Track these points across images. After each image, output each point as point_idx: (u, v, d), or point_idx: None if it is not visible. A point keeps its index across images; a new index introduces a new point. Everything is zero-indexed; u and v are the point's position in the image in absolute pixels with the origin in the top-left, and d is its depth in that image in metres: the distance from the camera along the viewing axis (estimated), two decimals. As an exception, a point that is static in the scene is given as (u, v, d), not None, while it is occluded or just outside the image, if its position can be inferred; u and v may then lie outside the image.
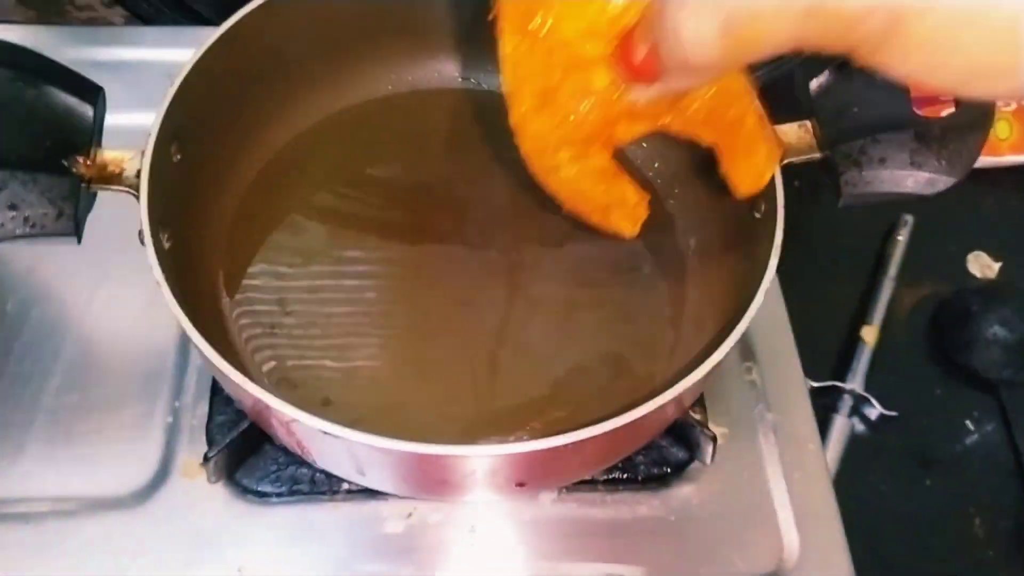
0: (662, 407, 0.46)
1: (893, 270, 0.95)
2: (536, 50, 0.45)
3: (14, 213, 0.47)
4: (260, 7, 0.59)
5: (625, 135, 0.48)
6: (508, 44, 0.46)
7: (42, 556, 0.57)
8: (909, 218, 0.98)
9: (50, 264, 0.69)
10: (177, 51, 0.78)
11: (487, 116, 0.71)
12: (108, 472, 0.61)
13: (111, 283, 0.68)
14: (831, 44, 0.31)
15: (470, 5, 0.66)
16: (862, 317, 0.92)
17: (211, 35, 0.58)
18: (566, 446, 0.44)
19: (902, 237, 0.97)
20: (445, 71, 0.72)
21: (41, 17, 1.13)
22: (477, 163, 0.68)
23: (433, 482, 0.48)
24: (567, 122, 0.47)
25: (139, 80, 0.78)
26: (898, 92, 0.52)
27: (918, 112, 0.51)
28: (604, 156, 0.51)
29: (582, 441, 0.44)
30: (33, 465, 0.61)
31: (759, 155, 0.51)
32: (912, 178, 0.50)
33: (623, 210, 0.57)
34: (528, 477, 0.50)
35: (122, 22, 1.14)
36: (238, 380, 0.44)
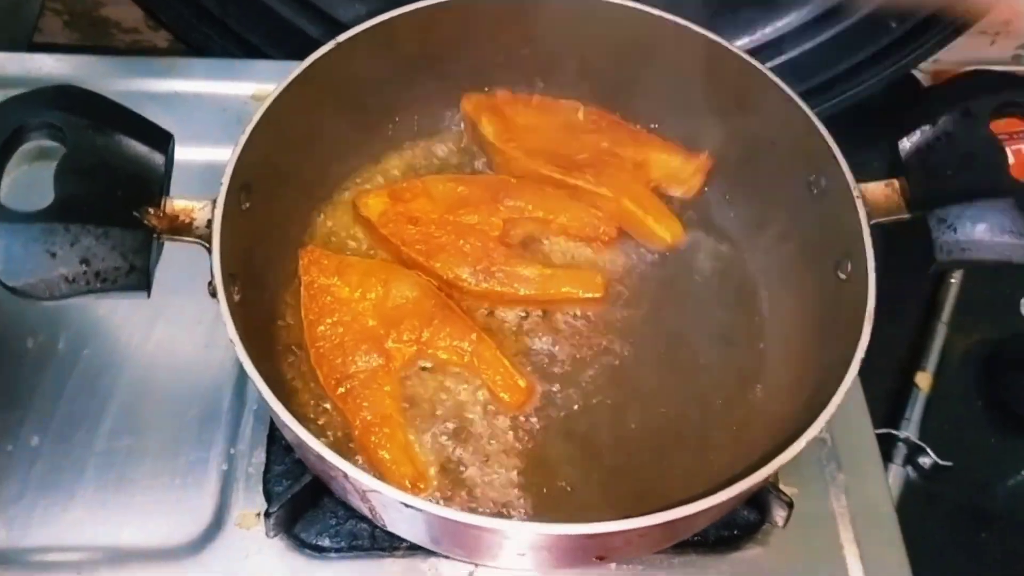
0: (751, 487, 0.44)
1: (946, 315, 0.93)
2: None
3: (86, 268, 0.45)
4: (324, 56, 0.58)
5: None
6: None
7: (94, 608, 0.56)
8: (962, 261, 0.96)
9: (103, 301, 0.67)
10: (231, 84, 0.80)
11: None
12: (162, 521, 0.59)
13: (165, 323, 0.67)
14: None
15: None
16: (915, 362, 0.90)
17: (280, 82, 0.56)
18: (655, 525, 0.42)
19: (955, 280, 0.95)
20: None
21: (86, 39, 1.13)
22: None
23: (512, 555, 0.46)
24: None
25: (192, 114, 0.78)
26: (996, 156, 0.50)
27: (1018, 178, 0.49)
28: None
29: (672, 521, 0.42)
30: (85, 512, 0.59)
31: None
32: (1011, 248, 0.48)
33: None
34: (609, 551, 0.48)
35: (166, 45, 1.14)
36: (319, 449, 0.43)
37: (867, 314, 0.48)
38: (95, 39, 1.13)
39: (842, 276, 0.54)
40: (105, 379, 0.65)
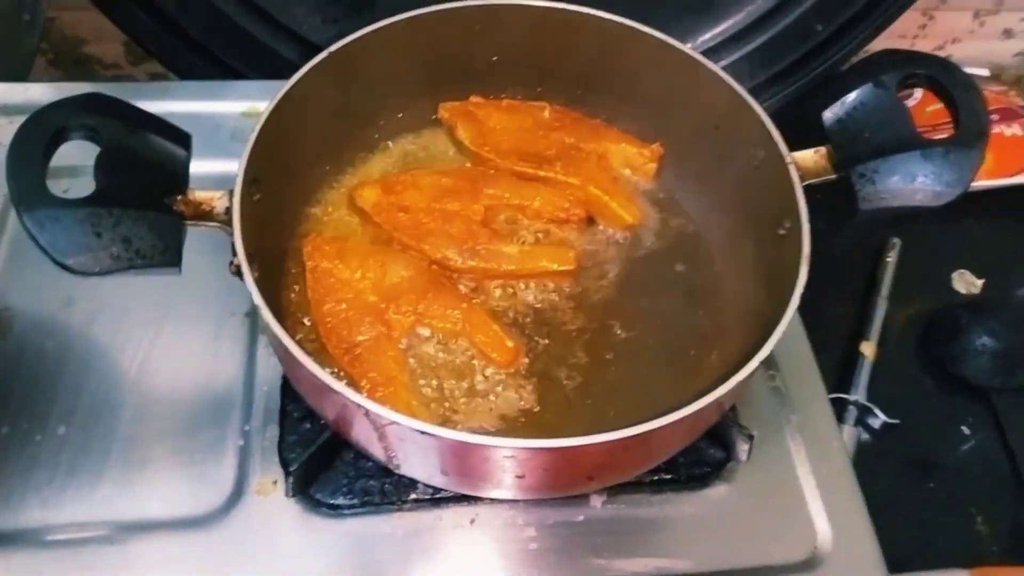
0: (714, 402, 0.51)
1: (885, 289, 1.02)
2: None
3: (127, 246, 0.52)
4: (314, 67, 0.65)
5: None
6: None
7: (129, 573, 0.61)
8: (897, 241, 1.05)
9: (115, 303, 0.73)
10: (222, 103, 0.86)
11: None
12: (185, 494, 0.64)
13: (174, 318, 0.72)
14: None
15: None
16: (860, 333, 0.98)
17: (276, 92, 0.63)
18: (635, 437, 0.49)
19: (891, 259, 1.04)
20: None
21: (69, 76, 1.18)
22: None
23: (512, 478, 0.52)
24: None
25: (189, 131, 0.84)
26: (903, 118, 0.59)
27: (922, 135, 0.58)
28: None
29: (648, 432, 0.49)
30: (112, 490, 0.64)
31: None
32: (921, 192, 0.57)
33: None
34: (596, 469, 0.55)
35: (146, 79, 1.20)
36: (341, 390, 0.49)
37: (803, 256, 0.56)
38: (78, 76, 1.19)
39: (782, 232, 0.62)
40: (122, 373, 0.70)
